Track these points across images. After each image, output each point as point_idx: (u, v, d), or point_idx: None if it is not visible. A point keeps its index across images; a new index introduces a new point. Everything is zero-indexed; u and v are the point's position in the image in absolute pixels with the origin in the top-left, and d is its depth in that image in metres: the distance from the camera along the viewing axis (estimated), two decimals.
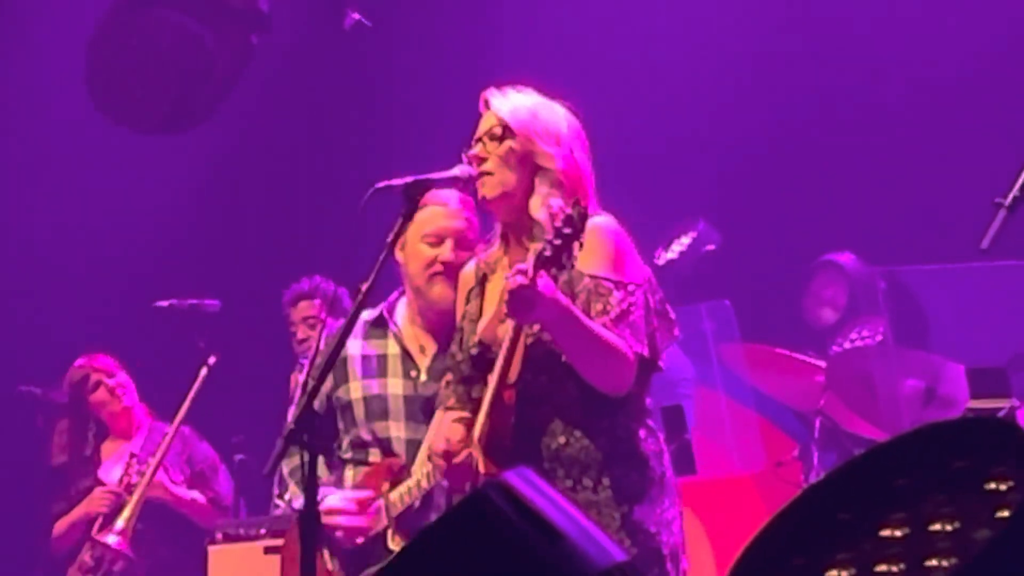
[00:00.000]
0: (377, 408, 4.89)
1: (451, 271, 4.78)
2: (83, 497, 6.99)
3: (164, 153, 8.41)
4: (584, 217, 3.90)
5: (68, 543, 6.97)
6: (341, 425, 4.95)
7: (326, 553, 4.80)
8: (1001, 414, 5.37)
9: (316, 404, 4.55)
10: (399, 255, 4.82)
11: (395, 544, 4.74)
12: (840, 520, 2.23)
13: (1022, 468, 2.11)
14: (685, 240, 7.25)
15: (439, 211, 4.78)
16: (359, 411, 4.90)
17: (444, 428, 4.27)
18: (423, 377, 4.89)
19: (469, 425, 4.15)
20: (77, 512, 6.98)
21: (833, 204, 7.69)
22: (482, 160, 4.21)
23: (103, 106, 7.78)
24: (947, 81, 7.55)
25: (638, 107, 7.84)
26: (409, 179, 4.11)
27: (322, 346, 5.07)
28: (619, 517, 4.04)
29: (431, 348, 4.92)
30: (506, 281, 3.95)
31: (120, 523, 6.63)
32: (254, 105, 8.25)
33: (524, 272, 3.86)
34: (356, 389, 4.92)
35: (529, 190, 4.18)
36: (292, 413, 5.07)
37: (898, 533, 2.17)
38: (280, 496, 5.32)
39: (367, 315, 4.93)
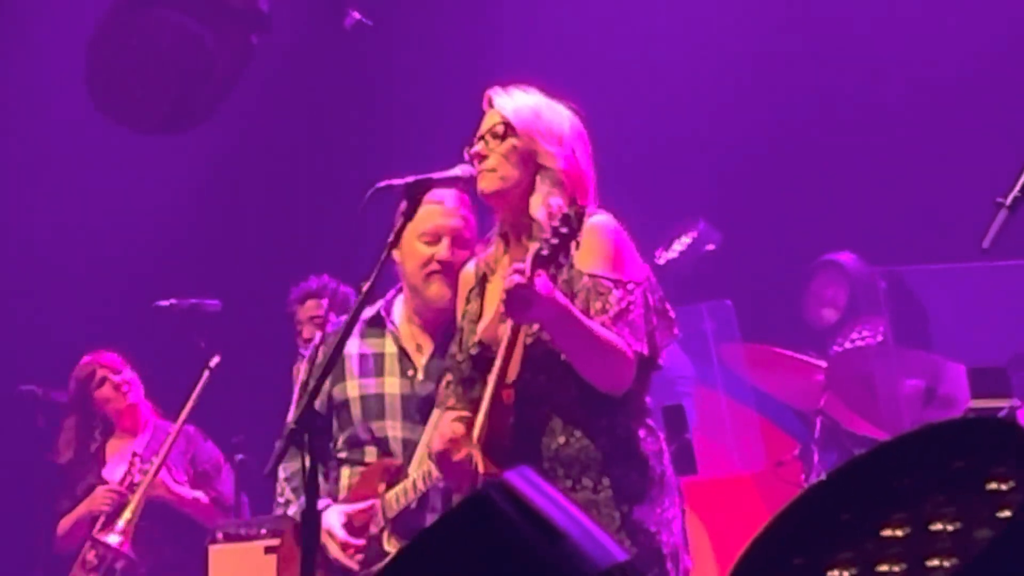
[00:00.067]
0: (374, 407, 4.88)
1: (448, 270, 4.78)
2: (87, 495, 6.99)
3: (164, 153, 8.41)
4: (581, 216, 3.90)
5: (73, 541, 6.97)
6: (337, 424, 4.94)
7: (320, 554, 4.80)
8: (1002, 414, 5.37)
9: (316, 403, 4.56)
10: (396, 254, 4.81)
11: (391, 546, 4.73)
12: (841, 520, 2.24)
13: (1023, 468, 2.11)
14: (685, 240, 7.26)
15: (435, 209, 4.77)
16: (356, 410, 4.89)
17: (443, 426, 4.26)
18: (420, 376, 4.88)
19: (469, 424, 4.15)
20: (80, 510, 6.98)
21: (833, 204, 7.69)
22: (484, 158, 4.22)
23: (103, 106, 7.78)
24: (947, 81, 7.55)
25: (638, 107, 7.84)
26: (410, 179, 4.11)
27: (318, 343, 5.08)
28: (619, 517, 4.04)
29: (428, 347, 4.92)
30: (504, 281, 3.95)
31: (121, 522, 6.63)
32: (254, 105, 8.25)
33: (522, 271, 3.86)
34: (353, 388, 4.92)
35: (530, 189, 4.18)
36: (293, 411, 5.08)
37: (899, 533, 2.17)
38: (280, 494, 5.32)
39: (365, 313, 4.93)
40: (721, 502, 6.61)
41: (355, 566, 4.73)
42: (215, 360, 6.71)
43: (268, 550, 5.61)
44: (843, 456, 6.23)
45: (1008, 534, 2.02)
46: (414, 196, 4.10)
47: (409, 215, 4.14)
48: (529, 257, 3.90)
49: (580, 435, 4.10)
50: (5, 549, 7.87)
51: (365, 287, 3.99)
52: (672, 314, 4.25)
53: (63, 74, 8.16)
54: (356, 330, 4.92)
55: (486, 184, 4.22)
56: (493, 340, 4.17)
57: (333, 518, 4.72)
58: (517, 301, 3.89)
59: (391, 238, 4.24)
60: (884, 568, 2.15)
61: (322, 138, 8.77)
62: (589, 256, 4.10)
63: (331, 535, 4.70)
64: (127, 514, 6.64)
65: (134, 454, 6.90)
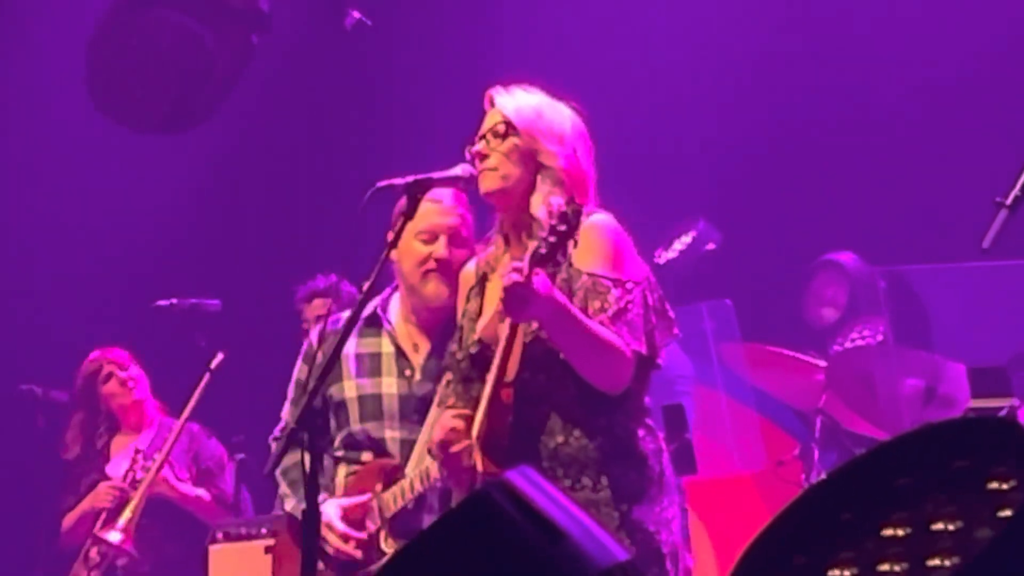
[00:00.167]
0: (371, 408, 4.87)
1: (445, 268, 4.78)
2: (91, 491, 7.00)
3: (164, 153, 8.41)
4: (578, 214, 3.90)
5: (76, 538, 6.96)
6: (334, 423, 4.93)
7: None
8: (1002, 413, 5.36)
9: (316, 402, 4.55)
10: (393, 252, 4.81)
11: (388, 546, 4.72)
12: (842, 520, 2.24)
13: (1023, 467, 2.11)
14: (685, 239, 7.26)
15: (432, 208, 4.75)
16: (353, 410, 4.89)
17: (444, 419, 4.25)
18: (418, 376, 4.87)
19: (468, 422, 4.15)
20: (83, 506, 6.99)
21: (833, 204, 7.69)
22: (485, 157, 4.22)
23: (103, 106, 7.77)
24: (947, 81, 7.55)
25: (638, 107, 7.84)
26: (410, 178, 4.11)
27: (314, 340, 5.08)
28: (618, 516, 4.04)
29: (425, 347, 4.91)
30: (501, 279, 3.95)
31: (123, 520, 6.62)
32: (254, 105, 8.25)
33: (519, 270, 3.87)
34: (350, 388, 4.91)
35: (530, 188, 4.19)
36: (288, 411, 5.08)
37: (900, 532, 2.17)
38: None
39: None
40: (721, 502, 6.62)
41: (357, 554, 4.72)
42: (219, 358, 6.71)
43: (268, 550, 5.60)
44: (843, 456, 6.23)
45: (1009, 533, 2.02)
46: (414, 195, 4.11)
47: (409, 214, 4.14)
48: (527, 255, 3.90)
49: (579, 434, 4.10)
50: (6, 549, 7.87)
51: (366, 286, 3.99)
52: (671, 314, 4.25)
53: (63, 74, 8.15)
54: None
55: (487, 184, 4.22)
56: (493, 339, 4.17)
57: (331, 511, 4.72)
58: (515, 299, 3.89)
59: (391, 238, 4.24)
60: (885, 567, 2.15)
61: (322, 138, 8.77)
62: (588, 255, 4.10)
63: (330, 527, 4.69)
64: (128, 512, 6.63)
65: (137, 451, 6.90)
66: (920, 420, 5.78)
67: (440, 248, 4.82)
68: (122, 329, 7.71)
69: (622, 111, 7.23)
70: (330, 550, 4.73)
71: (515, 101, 4.25)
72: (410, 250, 4.82)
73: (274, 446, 5.06)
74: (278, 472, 4.92)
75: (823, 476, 2.31)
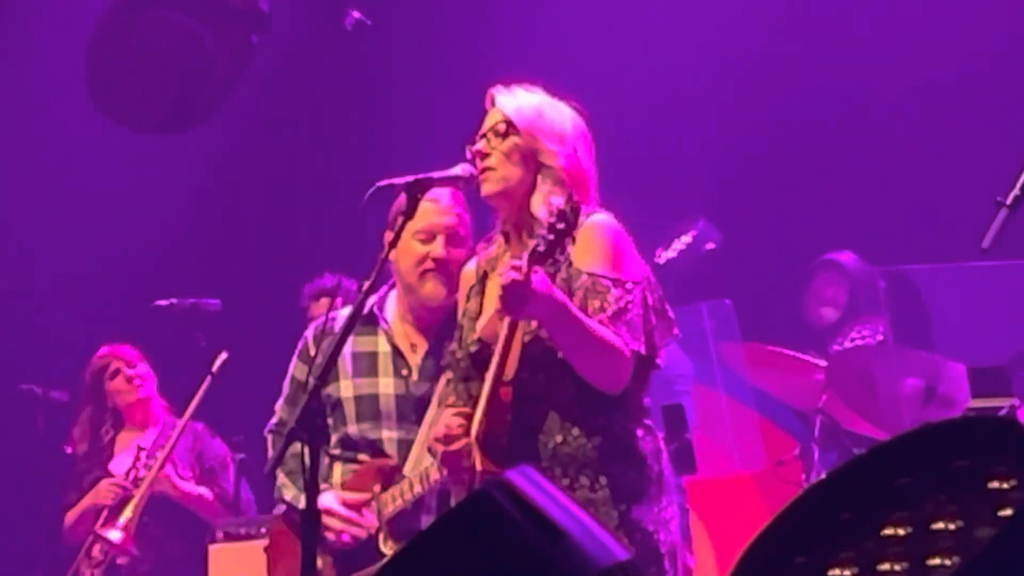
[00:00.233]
0: (368, 408, 4.86)
1: (442, 268, 4.78)
2: (93, 487, 7.00)
3: (164, 153, 8.41)
4: (577, 212, 3.90)
5: (78, 534, 6.97)
6: (331, 422, 4.92)
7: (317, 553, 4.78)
8: (1002, 413, 5.37)
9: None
10: (390, 252, 4.81)
11: (386, 547, 4.72)
12: (842, 519, 2.24)
13: (1023, 467, 2.11)
14: (685, 239, 7.26)
15: (430, 208, 4.74)
16: (350, 410, 4.88)
17: (444, 417, 4.25)
18: (415, 376, 4.86)
19: (468, 419, 4.14)
20: (84, 503, 6.99)
21: (833, 204, 7.69)
22: (485, 156, 4.22)
23: (103, 106, 7.77)
24: (947, 81, 7.55)
25: (638, 107, 7.84)
26: (410, 178, 4.11)
27: (310, 338, 5.07)
28: (617, 516, 4.04)
29: (422, 346, 4.90)
30: (500, 278, 3.95)
31: (123, 518, 6.62)
32: (254, 105, 8.25)
33: (518, 267, 3.87)
34: (347, 388, 4.90)
35: (531, 187, 4.19)
36: (281, 406, 5.06)
37: (900, 532, 2.17)
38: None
39: None
40: (721, 502, 6.62)
41: (363, 533, 4.71)
42: (222, 358, 6.70)
43: (267, 550, 5.60)
44: (843, 456, 6.23)
45: (1009, 532, 2.02)
46: (414, 195, 4.10)
47: (409, 214, 4.14)
48: (526, 254, 3.90)
49: (578, 434, 4.09)
50: (6, 548, 7.87)
51: (366, 286, 3.99)
52: (671, 314, 4.25)
53: (63, 74, 8.15)
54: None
55: (488, 187, 4.22)
56: (493, 338, 4.16)
57: (330, 499, 4.72)
58: (513, 297, 3.89)
59: (391, 238, 4.23)
60: (885, 567, 2.15)
61: (322, 138, 8.77)
62: (588, 255, 4.10)
63: (331, 513, 4.69)
64: (129, 511, 6.63)
65: (139, 448, 6.90)
66: (920, 420, 5.77)
67: (438, 248, 4.81)
68: (122, 329, 7.70)
69: (622, 111, 7.22)
70: (331, 535, 4.71)
71: (516, 100, 4.25)
72: (408, 250, 4.82)
73: (270, 439, 5.05)
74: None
75: (823, 476, 2.30)
